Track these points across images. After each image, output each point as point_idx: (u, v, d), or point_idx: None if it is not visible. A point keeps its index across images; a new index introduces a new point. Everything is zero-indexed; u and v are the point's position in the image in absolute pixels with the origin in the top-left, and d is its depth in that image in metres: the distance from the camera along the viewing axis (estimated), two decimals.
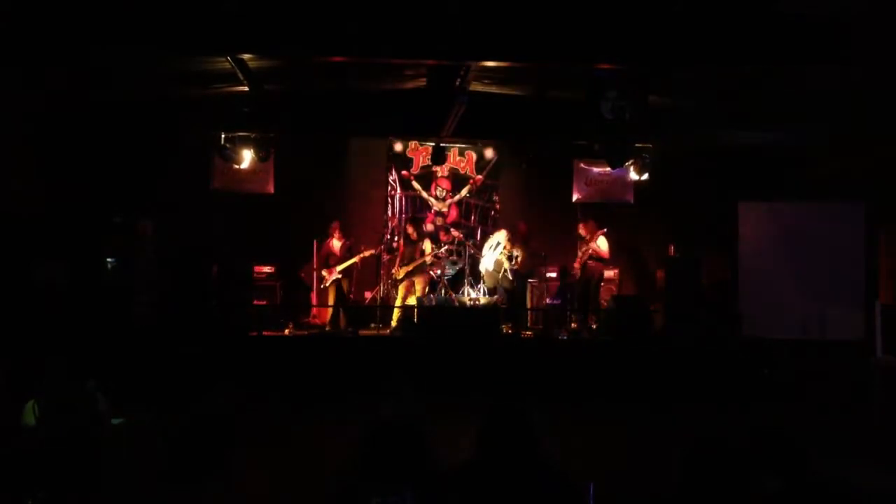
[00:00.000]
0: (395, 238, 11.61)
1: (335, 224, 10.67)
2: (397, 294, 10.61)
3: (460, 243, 11.58)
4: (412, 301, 10.43)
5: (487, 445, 2.99)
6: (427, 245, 10.61)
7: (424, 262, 10.53)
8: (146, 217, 10.09)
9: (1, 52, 7.04)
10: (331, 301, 10.52)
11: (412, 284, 10.51)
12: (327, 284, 10.53)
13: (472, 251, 11.12)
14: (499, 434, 2.98)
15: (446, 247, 11.39)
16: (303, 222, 11.25)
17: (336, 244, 10.59)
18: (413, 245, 10.53)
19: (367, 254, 10.59)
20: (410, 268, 10.45)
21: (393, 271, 10.74)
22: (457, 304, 10.30)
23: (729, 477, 2.81)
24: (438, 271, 11.16)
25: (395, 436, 2.89)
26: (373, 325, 10.68)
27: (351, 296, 10.77)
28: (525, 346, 9.69)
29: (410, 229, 10.70)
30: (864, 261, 10.31)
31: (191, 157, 11.20)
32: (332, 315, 10.56)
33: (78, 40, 6.84)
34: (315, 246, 11.10)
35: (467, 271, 10.97)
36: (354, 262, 10.59)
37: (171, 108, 9.91)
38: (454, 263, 11.27)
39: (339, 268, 10.45)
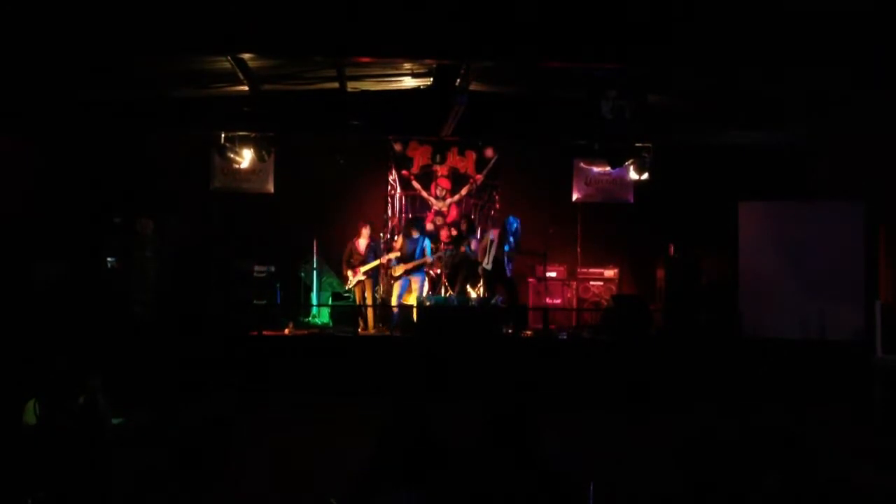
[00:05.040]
0: (395, 237, 11.59)
1: (364, 223, 10.66)
2: (392, 293, 10.63)
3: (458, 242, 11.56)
4: (410, 300, 10.43)
5: (486, 443, 2.99)
6: (428, 245, 10.61)
7: (425, 261, 10.53)
8: (146, 216, 10.08)
9: (1, 53, 7.05)
10: (359, 302, 10.48)
11: (409, 283, 10.53)
12: (352, 285, 10.50)
13: (466, 250, 11.03)
14: (499, 433, 2.98)
15: (445, 247, 11.37)
16: (303, 222, 11.25)
17: (362, 243, 10.57)
18: (414, 244, 10.52)
19: (393, 256, 10.56)
20: (410, 266, 10.45)
21: (390, 269, 10.74)
22: (457, 303, 10.29)
23: (729, 476, 2.82)
24: (438, 271, 11.16)
25: (406, 436, 2.90)
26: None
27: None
28: (525, 346, 9.69)
29: (413, 231, 10.69)
30: (863, 260, 10.29)
31: (191, 157, 11.20)
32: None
33: (78, 40, 6.84)
34: (315, 246, 11.12)
35: (465, 271, 10.94)
36: (381, 264, 10.58)
37: (171, 108, 9.90)
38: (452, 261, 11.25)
39: (364, 269, 10.43)
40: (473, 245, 10.84)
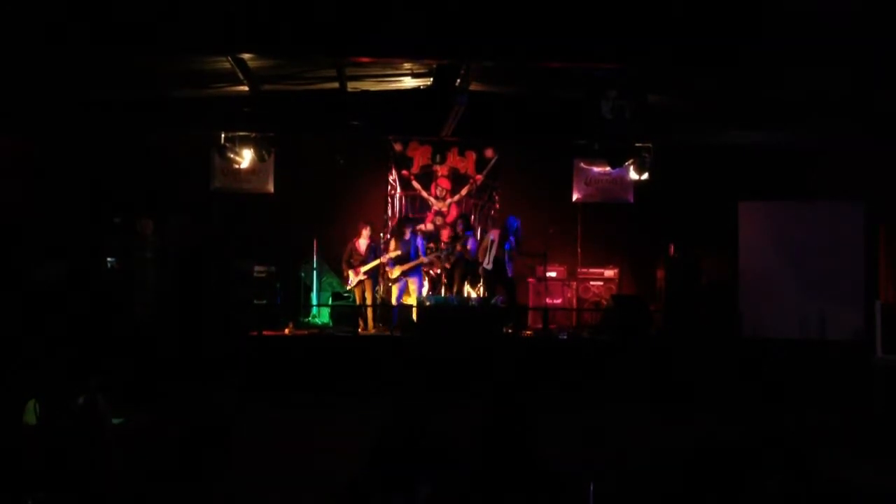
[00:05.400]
0: (390, 239, 11.59)
1: (364, 224, 10.68)
2: (391, 294, 10.64)
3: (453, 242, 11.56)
4: (410, 301, 10.44)
5: (486, 443, 3.00)
6: (421, 244, 10.65)
7: (421, 262, 10.54)
8: (146, 216, 10.09)
9: (1, 52, 7.05)
10: (359, 302, 10.49)
11: (406, 284, 10.56)
12: (353, 286, 10.51)
13: (460, 250, 11.01)
14: (497, 432, 2.98)
15: (445, 246, 11.39)
16: (303, 222, 11.26)
17: (362, 244, 10.58)
18: (407, 245, 10.55)
19: (392, 255, 10.56)
20: (406, 268, 10.46)
21: (388, 269, 10.74)
22: (457, 303, 10.30)
23: (729, 476, 2.81)
24: (438, 271, 11.16)
25: (405, 438, 2.90)
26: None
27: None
28: (525, 346, 9.70)
29: (404, 231, 10.72)
30: (863, 260, 10.31)
31: (191, 157, 11.21)
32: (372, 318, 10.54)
33: (79, 40, 6.84)
34: (315, 246, 11.13)
35: (461, 270, 10.94)
36: (381, 263, 10.59)
37: (171, 108, 9.91)
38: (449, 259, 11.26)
39: (364, 268, 10.44)
40: (470, 244, 10.85)
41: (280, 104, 9.91)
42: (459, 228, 11.36)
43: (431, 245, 11.09)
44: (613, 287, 11.46)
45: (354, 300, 10.52)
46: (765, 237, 10.58)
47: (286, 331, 10.02)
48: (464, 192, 12.09)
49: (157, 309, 9.71)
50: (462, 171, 12.12)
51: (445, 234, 11.82)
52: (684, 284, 10.50)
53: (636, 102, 7.90)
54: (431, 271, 11.18)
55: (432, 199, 12.07)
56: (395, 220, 11.90)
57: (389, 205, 12.03)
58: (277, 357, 9.06)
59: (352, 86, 9.67)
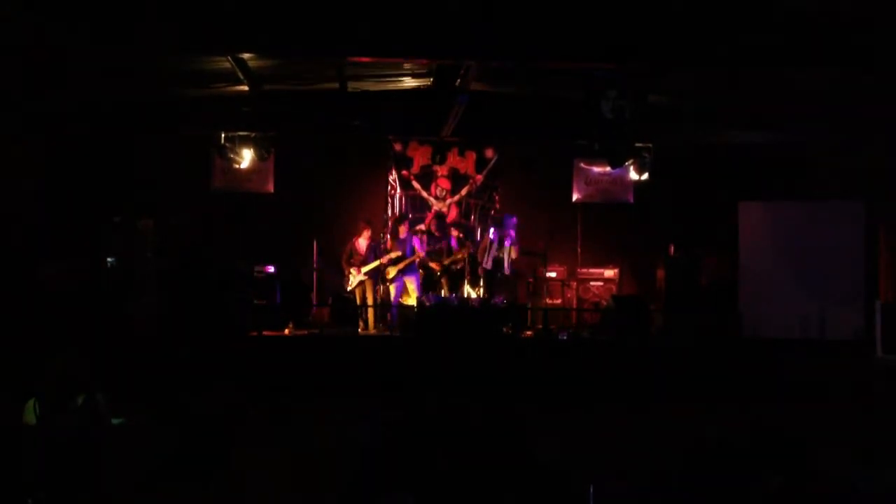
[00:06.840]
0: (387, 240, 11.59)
1: (364, 223, 10.65)
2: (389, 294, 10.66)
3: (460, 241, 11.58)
4: (410, 301, 10.45)
5: (486, 444, 3.00)
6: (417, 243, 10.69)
7: (417, 258, 10.55)
8: (146, 216, 10.09)
9: (2, 52, 7.06)
10: (359, 302, 10.49)
11: (404, 284, 10.56)
12: (353, 286, 10.48)
13: (445, 246, 11.03)
14: (498, 433, 2.98)
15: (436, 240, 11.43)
16: (303, 222, 11.28)
17: (362, 243, 10.55)
18: (403, 244, 10.56)
19: (393, 255, 10.55)
20: (401, 266, 10.47)
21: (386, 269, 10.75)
22: (457, 303, 10.30)
23: (730, 476, 2.82)
24: (437, 272, 11.17)
25: (400, 438, 2.89)
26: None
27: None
28: (525, 346, 9.70)
29: (402, 229, 10.73)
30: (864, 260, 10.30)
31: (191, 157, 11.21)
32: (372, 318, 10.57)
33: (79, 41, 6.85)
34: (315, 246, 11.13)
35: (467, 270, 10.96)
36: (381, 264, 10.58)
37: (172, 108, 9.91)
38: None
39: (365, 269, 10.42)
40: (454, 244, 10.90)
41: (280, 104, 9.92)
42: (449, 231, 11.39)
43: (429, 247, 11.11)
44: (613, 287, 11.46)
45: (355, 300, 10.51)
46: (765, 237, 10.58)
47: (286, 331, 10.02)
48: (464, 192, 12.09)
49: (157, 309, 9.71)
50: (462, 171, 12.12)
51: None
52: (684, 284, 10.51)
53: (636, 102, 7.90)
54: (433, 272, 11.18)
55: (432, 200, 12.07)
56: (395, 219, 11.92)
57: (389, 205, 12.03)
58: (277, 357, 9.06)
59: (352, 86, 9.67)
